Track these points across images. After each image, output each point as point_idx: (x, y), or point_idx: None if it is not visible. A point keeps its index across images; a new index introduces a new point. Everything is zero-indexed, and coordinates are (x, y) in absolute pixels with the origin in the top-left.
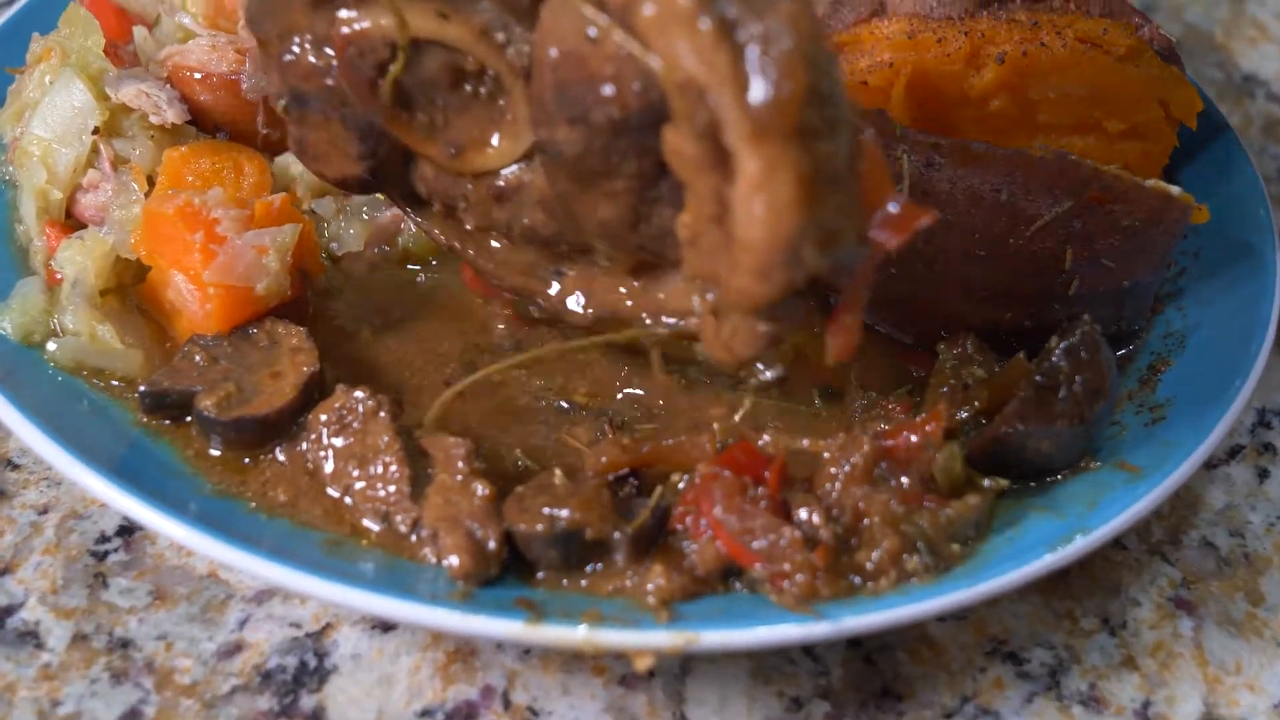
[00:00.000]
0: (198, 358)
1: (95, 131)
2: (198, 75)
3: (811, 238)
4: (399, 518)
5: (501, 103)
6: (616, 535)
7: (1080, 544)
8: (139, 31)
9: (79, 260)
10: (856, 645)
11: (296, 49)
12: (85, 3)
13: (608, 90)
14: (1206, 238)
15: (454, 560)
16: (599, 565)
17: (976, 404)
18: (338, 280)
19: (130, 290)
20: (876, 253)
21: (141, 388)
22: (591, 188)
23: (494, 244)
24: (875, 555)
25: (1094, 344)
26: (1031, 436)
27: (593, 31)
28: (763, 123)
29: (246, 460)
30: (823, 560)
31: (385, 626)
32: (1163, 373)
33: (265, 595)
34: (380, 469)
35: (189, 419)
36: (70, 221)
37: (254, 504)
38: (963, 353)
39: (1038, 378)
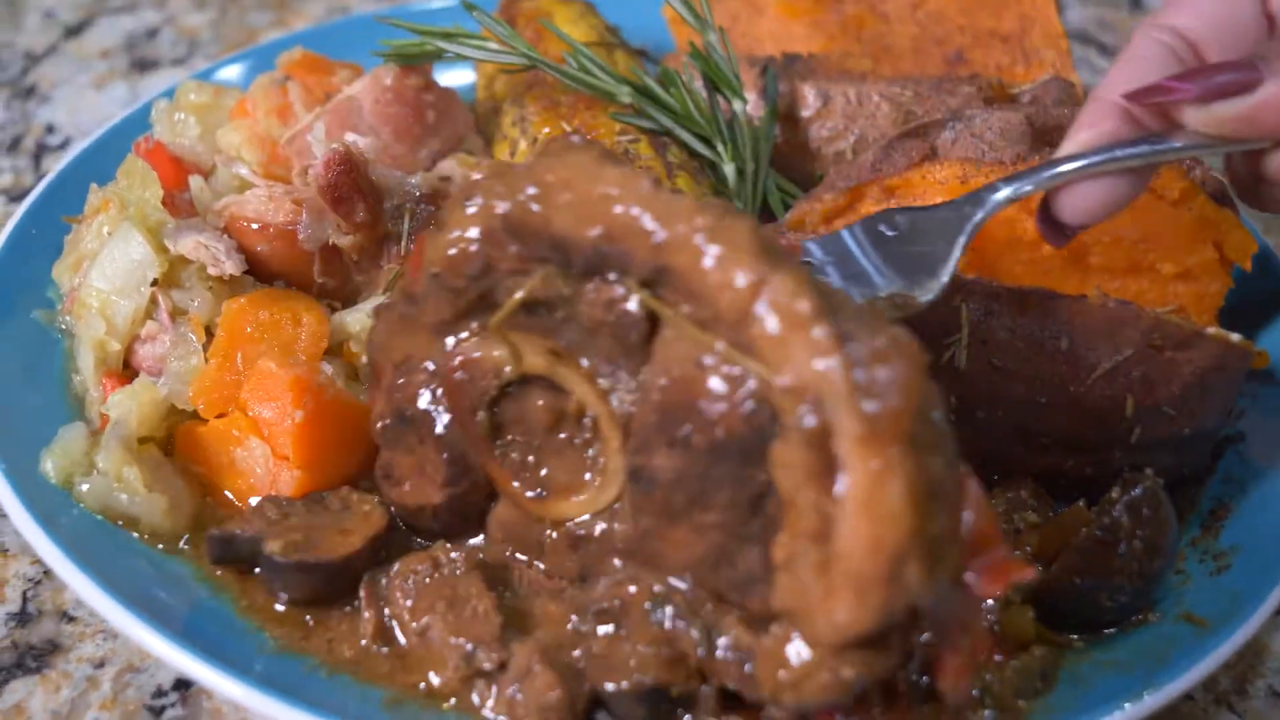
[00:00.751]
0: (270, 513)
1: (154, 283)
2: (255, 225)
3: (916, 554)
4: (482, 653)
5: (593, 451)
6: (704, 689)
7: (1150, 701)
8: (195, 181)
9: (126, 404)
10: None
11: (410, 373)
12: (141, 153)
13: (715, 409)
14: (1264, 379)
15: (553, 695)
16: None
17: (1029, 548)
18: None
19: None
20: (973, 599)
21: (211, 532)
22: (680, 520)
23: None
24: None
25: (1156, 500)
26: (1087, 590)
27: (708, 359)
28: (876, 427)
29: (309, 619)
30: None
31: None
32: (1225, 519)
33: None
34: (470, 612)
35: (255, 571)
36: (128, 372)
37: (316, 660)
38: (1016, 496)
39: (1098, 531)
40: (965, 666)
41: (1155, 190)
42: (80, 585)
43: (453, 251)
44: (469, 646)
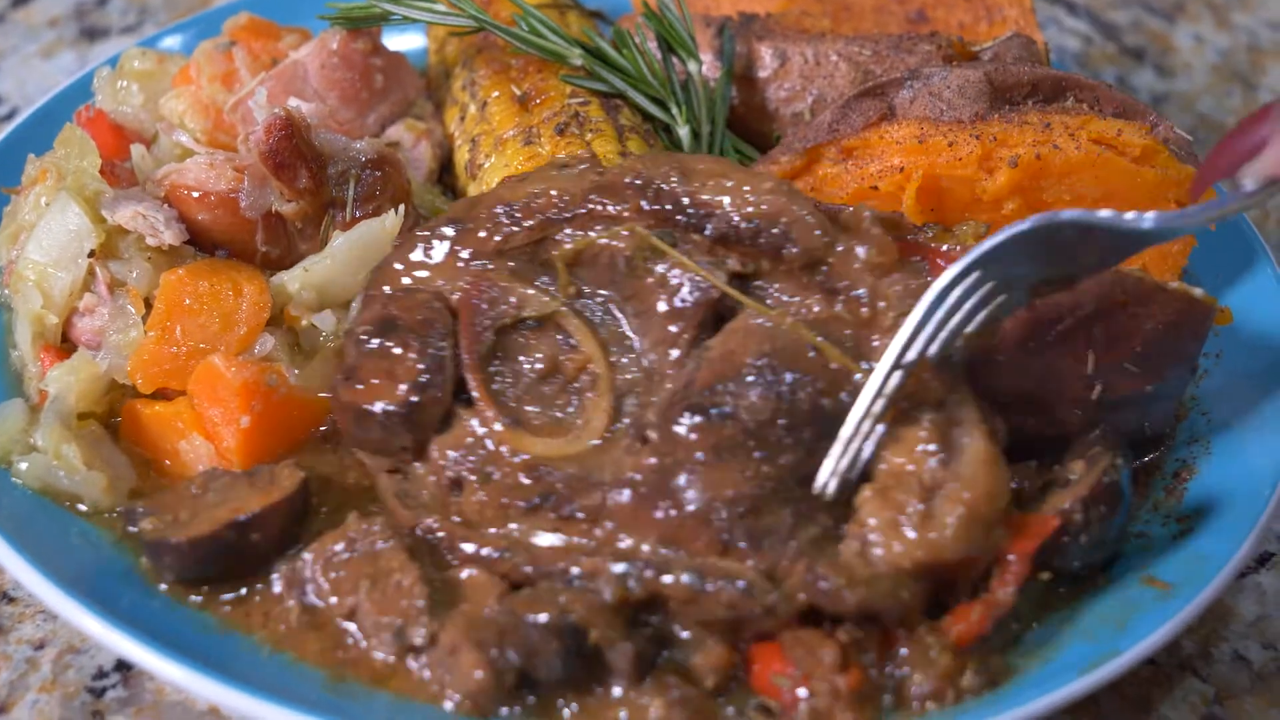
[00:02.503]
0: (194, 488)
1: (91, 255)
2: (195, 194)
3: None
4: (411, 629)
5: (579, 408)
6: (623, 646)
7: (1112, 667)
8: (136, 150)
9: (64, 379)
10: None
11: (416, 290)
12: (82, 122)
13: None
14: (1228, 339)
15: (477, 675)
16: (598, 690)
17: None
18: None
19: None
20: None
21: (121, 507)
22: (734, 459)
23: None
24: (926, 679)
25: (1116, 496)
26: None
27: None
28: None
29: (244, 591)
30: (852, 686)
31: None
32: (1188, 481)
33: None
34: (394, 587)
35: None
36: (66, 346)
37: (256, 638)
38: None
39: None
40: (981, 624)
41: (1117, 148)
42: (16, 567)
43: (552, 191)
44: (398, 623)
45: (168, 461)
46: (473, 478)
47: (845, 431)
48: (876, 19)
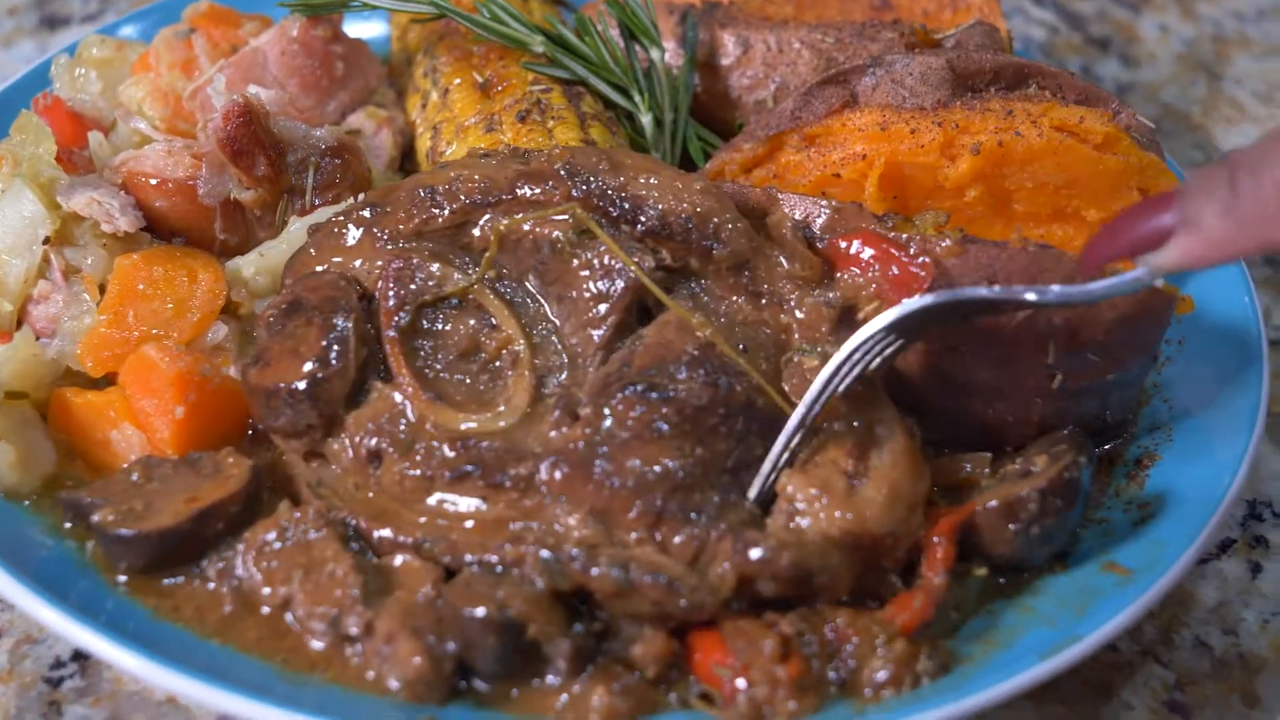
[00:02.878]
0: (134, 476)
1: (46, 241)
2: (153, 181)
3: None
4: (349, 620)
5: (500, 386)
6: (560, 642)
7: (1072, 653)
8: (94, 137)
9: (2, 356)
10: None
11: (324, 273)
12: (39, 109)
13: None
14: (1190, 327)
15: (415, 661)
16: (537, 681)
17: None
18: None
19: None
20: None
21: (61, 494)
22: (668, 440)
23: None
24: (881, 666)
25: (1073, 492)
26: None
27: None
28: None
29: (174, 580)
30: (793, 675)
31: None
32: (1150, 468)
33: None
34: (327, 576)
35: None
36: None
37: (195, 628)
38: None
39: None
40: (924, 610)
41: (1080, 135)
42: None
43: (475, 177)
44: (333, 613)
45: (97, 454)
46: (392, 450)
47: (772, 455)
48: (840, 6)
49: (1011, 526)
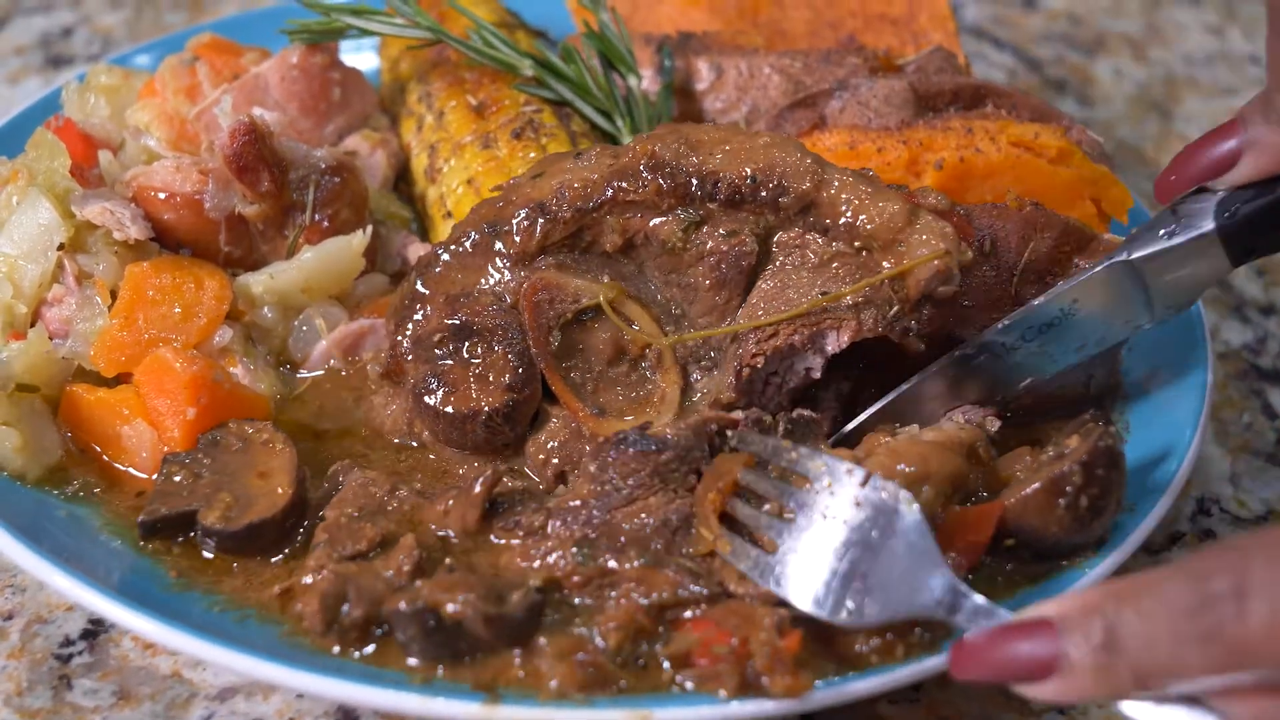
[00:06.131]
0: (178, 477)
1: (60, 248)
2: (162, 195)
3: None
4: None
5: (652, 384)
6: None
7: None
8: (104, 155)
9: (14, 349)
10: None
11: (474, 296)
12: (52, 129)
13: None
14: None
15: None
16: (474, 656)
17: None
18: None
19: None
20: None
21: (140, 518)
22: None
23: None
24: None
25: (1113, 458)
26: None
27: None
28: None
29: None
30: (791, 649)
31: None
32: None
33: (228, 693)
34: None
35: (182, 537)
36: None
37: (212, 595)
38: None
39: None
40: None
41: (1035, 150)
42: None
43: (575, 184)
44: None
45: (108, 450)
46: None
47: None
48: (810, 42)
49: (1061, 502)
